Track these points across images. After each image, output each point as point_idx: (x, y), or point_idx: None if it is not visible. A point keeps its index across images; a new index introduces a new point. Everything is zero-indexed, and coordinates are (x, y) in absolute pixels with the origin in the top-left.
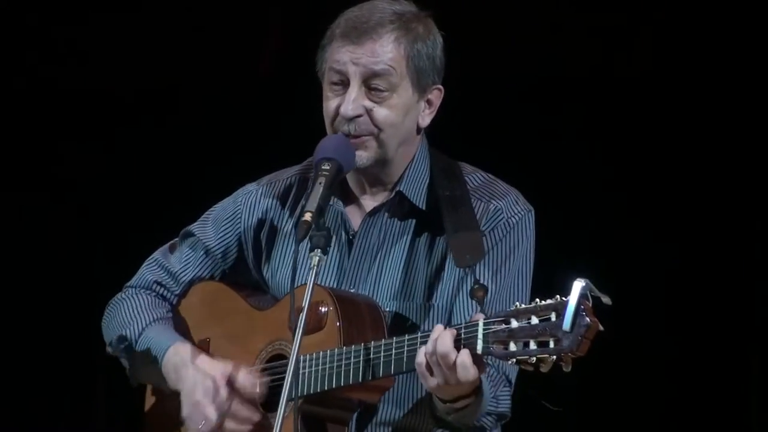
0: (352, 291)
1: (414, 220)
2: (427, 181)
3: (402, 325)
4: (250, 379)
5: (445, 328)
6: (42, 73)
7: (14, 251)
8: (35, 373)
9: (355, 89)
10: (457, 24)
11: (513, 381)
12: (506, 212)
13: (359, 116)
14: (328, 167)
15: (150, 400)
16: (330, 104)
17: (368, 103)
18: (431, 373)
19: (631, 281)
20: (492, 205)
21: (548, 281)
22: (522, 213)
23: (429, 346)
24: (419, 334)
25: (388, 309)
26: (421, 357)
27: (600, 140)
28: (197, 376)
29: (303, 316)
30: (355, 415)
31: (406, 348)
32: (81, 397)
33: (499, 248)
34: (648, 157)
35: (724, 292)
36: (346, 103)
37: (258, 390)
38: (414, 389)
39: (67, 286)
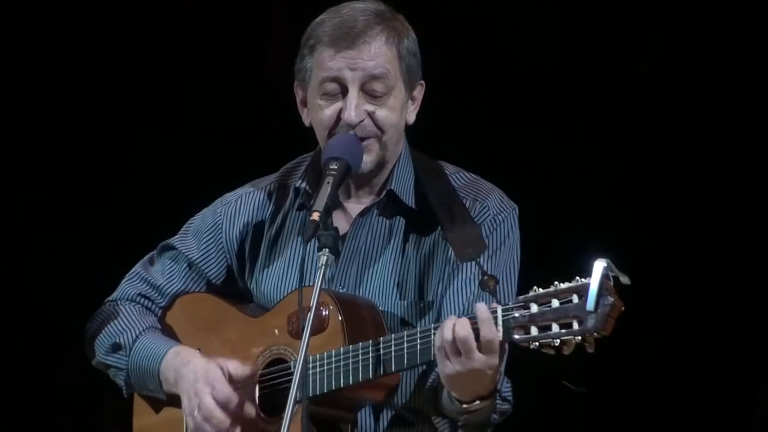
0: (349, 293)
1: (403, 220)
2: (413, 179)
3: (398, 324)
4: (242, 368)
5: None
6: (45, 70)
7: (18, 254)
8: (39, 376)
9: (354, 95)
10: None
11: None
12: (492, 209)
13: (362, 121)
14: (336, 167)
15: (138, 415)
16: (325, 112)
17: (369, 107)
18: (449, 360)
19: (638, 280)
20: (478, 203)
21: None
22: (507, 211)
23: (447, 333)
24: (432, 326)
25: (382, 309)
26: (438, 342)
27: (609, 139)
28: (198, 370)
29: (311, 315)
30: (358, 415)
31: (410, 341)
32: (87, 399)
33: (487, 243)
34: (658, 155)
35: (733, 289)
36: (348, 109)
37: (250, 373)
38: (419, 386)
39: (72, 287)
